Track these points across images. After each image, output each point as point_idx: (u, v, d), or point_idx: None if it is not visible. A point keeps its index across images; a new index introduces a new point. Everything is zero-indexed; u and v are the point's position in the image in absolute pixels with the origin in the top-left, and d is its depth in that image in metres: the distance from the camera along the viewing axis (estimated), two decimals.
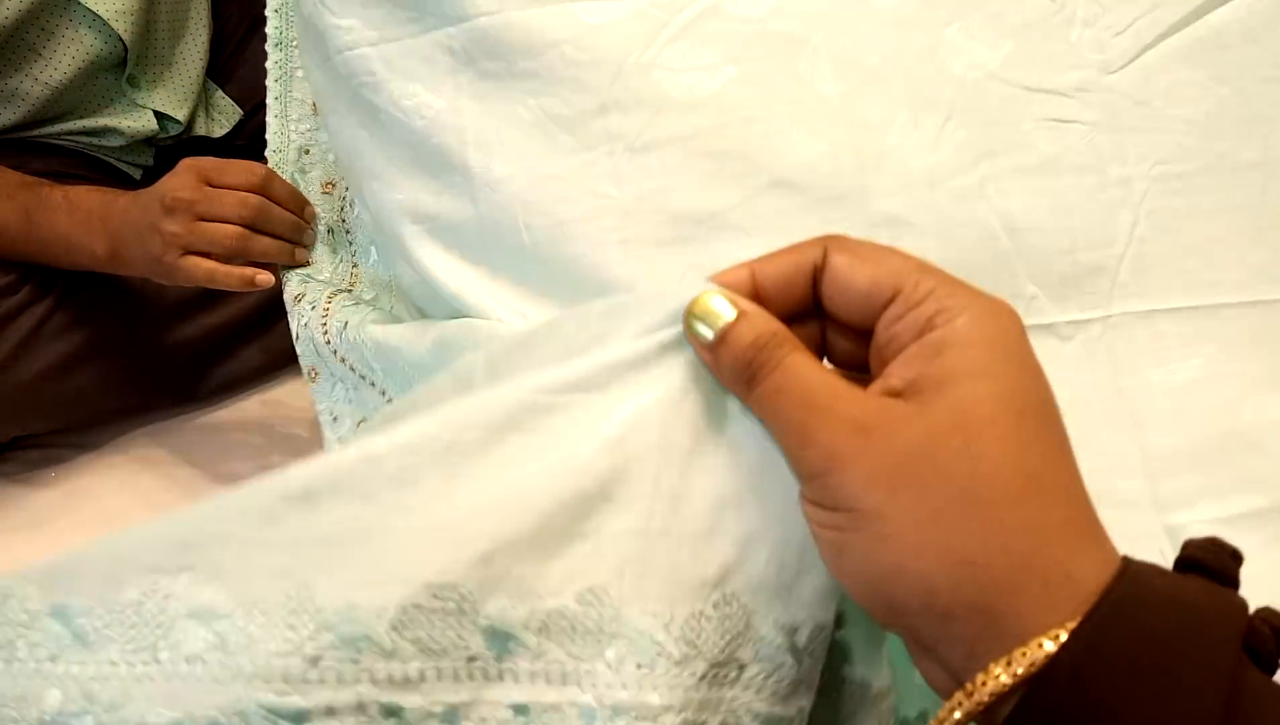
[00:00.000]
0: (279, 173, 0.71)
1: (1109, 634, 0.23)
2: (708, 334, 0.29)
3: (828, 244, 0.29)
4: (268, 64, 0.72)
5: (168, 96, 0.83)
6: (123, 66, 0.80)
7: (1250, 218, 0.56)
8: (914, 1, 0.56)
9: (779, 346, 0.28)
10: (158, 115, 0.83)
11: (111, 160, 0.86)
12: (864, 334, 0.29)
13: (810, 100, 0.55)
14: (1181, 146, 0.56)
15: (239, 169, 0.67)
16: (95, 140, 0.83)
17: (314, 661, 0.26)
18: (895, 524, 0.25)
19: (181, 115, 0.85)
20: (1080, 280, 0.56)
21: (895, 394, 0.26)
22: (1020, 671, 0.23)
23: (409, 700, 0.27)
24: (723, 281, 0.30)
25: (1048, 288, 0.56)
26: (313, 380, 0.70)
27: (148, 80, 0.83)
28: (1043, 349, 0.45)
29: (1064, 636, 0.23)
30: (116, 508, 0.82)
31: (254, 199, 0.67)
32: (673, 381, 0.30)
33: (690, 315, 0.29)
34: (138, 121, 0.83)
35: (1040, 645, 0.23)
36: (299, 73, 0.72)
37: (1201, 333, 0.56)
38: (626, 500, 0.29)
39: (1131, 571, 0.24)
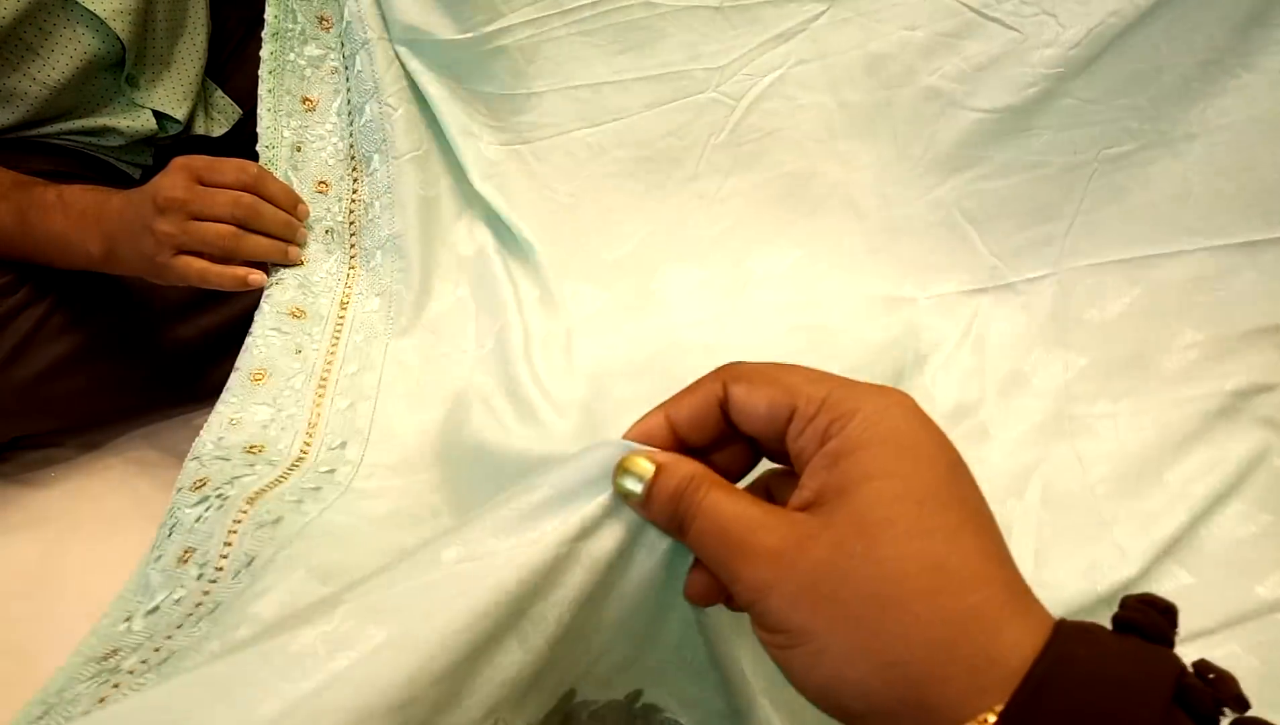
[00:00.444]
0: (272, 169, 0.71)
1: (1035, 713, 0.23)
2: (637, 491, 0.31)
3: (725, 376, 0.31)
4: (262, 54, 0.71)
5: (167, 96, 0.83)
6: (121, 66, 0.79)
7: (1182, 182, 0.67)
8: (908, 57, 0.71)
9: (696, 490, 0.30)
10: (157, 115, 0.83)
11: (111, 160, 0.86)
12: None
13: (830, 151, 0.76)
14: (1127, 130, 0.68)
15: (231, 167, 0.67)
16: (94, 140, 0.83)
17: None
18: (824, 639, 0.26)
19: (181, 115, 0.84)
20: (1035, 248, 0.71)
21: (806, 506, 0.28)
22: None
23: None
24: (640, 430, 0.32)
25: (1004, 258, 0.72)
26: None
27: (146, 80, 0.82)
28: (1003, 304, 0.68)
29: (991, 720, 0.23)
30: (116, 508, 0.81)
31: (246, 198, 0.66)
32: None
33: (618, 478, 0.31)
34: (137, 121, 0.83)
35: None
36: (290, 68, 0.72)
37: (1131, 278, 0.69)
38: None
39: (1058, 644, 0.24)
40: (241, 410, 0.66)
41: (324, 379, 0.69)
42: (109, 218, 0.69)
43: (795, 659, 0.27)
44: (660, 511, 0.30)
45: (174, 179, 0.66)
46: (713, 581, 0.31)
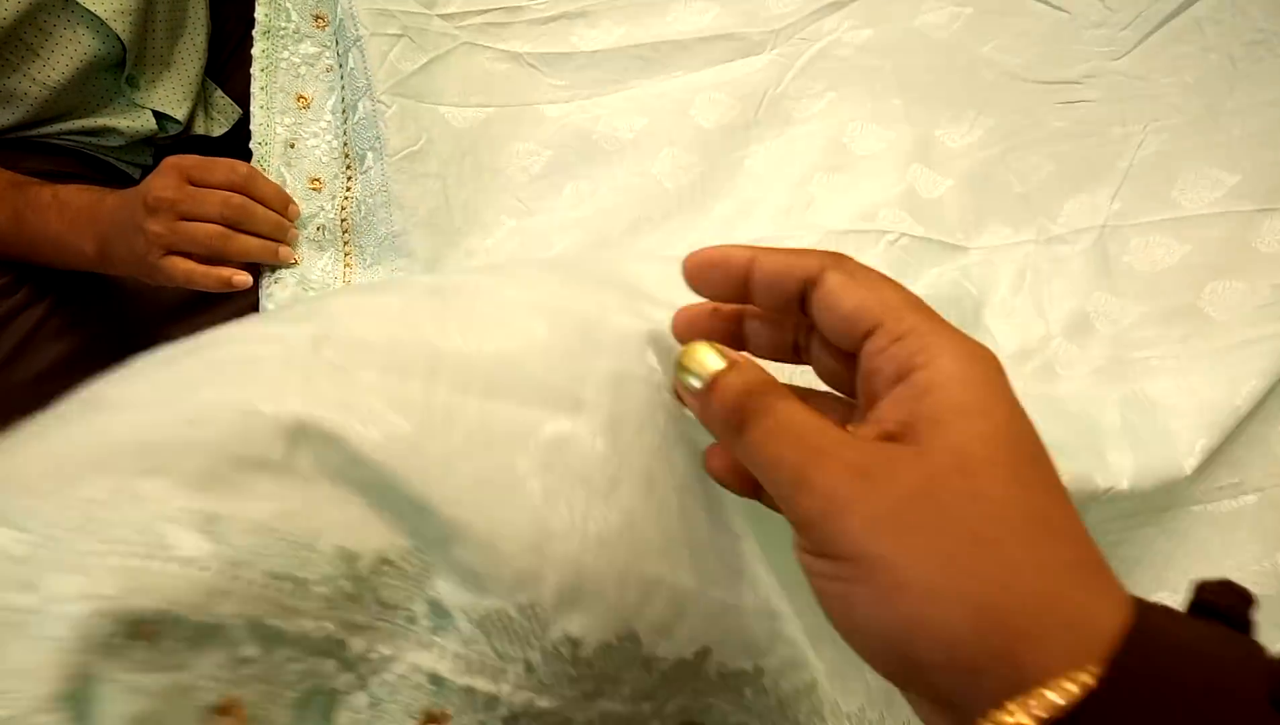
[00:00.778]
0: (264, 166, 0.71)
1: (1135, 679, 0.22)
2: (695, 383, 0.29)
3: (828, 261, 0.29)
4: (254, 51, 0.71)
5: (166, 96, 0.83)
6: (121, 67, 0.79)
7: (1226, 152, 0.71)
8: (960, 30, 0.76)
9: (769, 392, 0.28)
10: (157, 115, 0.83)
11: (111, 160, 0.86)
12: (849, 357, 0.29)
13: (882, 109, 0.78)
14: (1172, 105, 0.72)
15: (222, 167, 0.66)
16: (94, 140, 0.83)
17: (304, 593, 0.28)
18: (905, 571, 0.23)
19: (180, 115, 0.85)
20: (1082, 209, 0.74)
21: (890, 437, 0.26)
22: (1042, 714, 0.22)
23: (355, 643, 0.29)
24: (722, 253, 0.31)
25: (1053, 215, 0.74)
26: None
27: (146, 80, 0.83)
28: (1051, 255, 0.74)
29: (1088, 680, 0.21)
30: None
31: (236, 198, 0.66)
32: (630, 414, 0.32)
33: (680, 366, 0.30)
34: (137, 121, 0.83)
35: (1062, 687, 0.22)
36: (282, 65, 0.72)
37: (1179, 236, 0.72)
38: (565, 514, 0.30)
39: (1148, 615, 0.23)
40: None
41: None
42: (103, 218, 0.69)
43: (860, 595, 0.24)
44: (723, 404, 0.28)
45: (164, 179, 0.65)
46: (733, 463, 0.29)
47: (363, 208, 0.74)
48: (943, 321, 0.28)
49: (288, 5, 0.73)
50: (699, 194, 0.82)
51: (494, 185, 0.80)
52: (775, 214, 0.80)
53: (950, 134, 0.77)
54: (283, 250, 0.69)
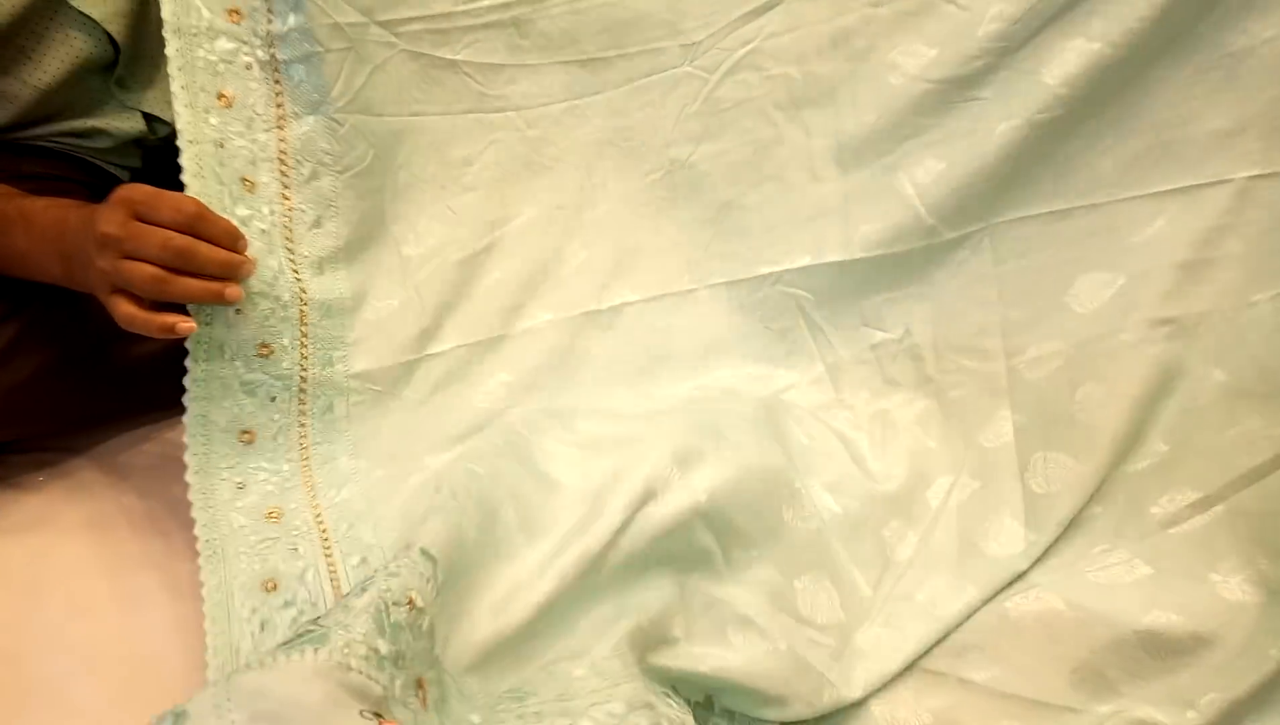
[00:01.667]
0: (201, 165, 0.69)
1: None
2: None
3: None
4: (168, 52, 0.69)
5: (156, 99, 0.83)
6: (111, 69, 0.79)
7: (1116, 137, 0.76)
8: (871, 32, 0.79)
9: None
10: (146, 117, 0.83)
11: (100, 162, 0.85)
12: None
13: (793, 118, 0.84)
14: (1057, 96, 0.74)
15: (167, 206, 0.63)
16: (83, 142, 0.82)
17: None
18: None
19: (169, 117, 0.84)
20: (968, 207, 0.80)
21: None
22: None
23: None
24: None
25: (943, 218, 0.80)
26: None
27: (137, 82, 0.82)
28: (944, 258, 0.83)
29: None
30: (101, 512, 0.81)
31: (178, 241, 0.63)
32: None
33: None
34: (126, 123, 0.82)
35: None
36: (199, 64, 0.70)
37: (1047, 233, 0.79)
38: None
39: None
40: None
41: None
42: (66, 238, 0.67)
43: None
44: None
45: (111, 213, 0.63)
46: None
47: (305, 218, 0.74)
48: None
49: (197, 1, 0.70)
50: (619, 223, 0.85)
51: (429, 192, 0.82)
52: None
53: (852, 137, 0.82)
54: (229, 290, 0.66)
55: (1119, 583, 0.70)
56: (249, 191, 0.72)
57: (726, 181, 0.85)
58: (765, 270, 0.85)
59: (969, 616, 0.72)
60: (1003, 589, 0.73)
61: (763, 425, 0.79)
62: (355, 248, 0.78)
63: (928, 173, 0.80)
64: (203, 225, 0.64)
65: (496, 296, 0.83)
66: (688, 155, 0.84)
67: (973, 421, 0.81)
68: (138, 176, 0.86)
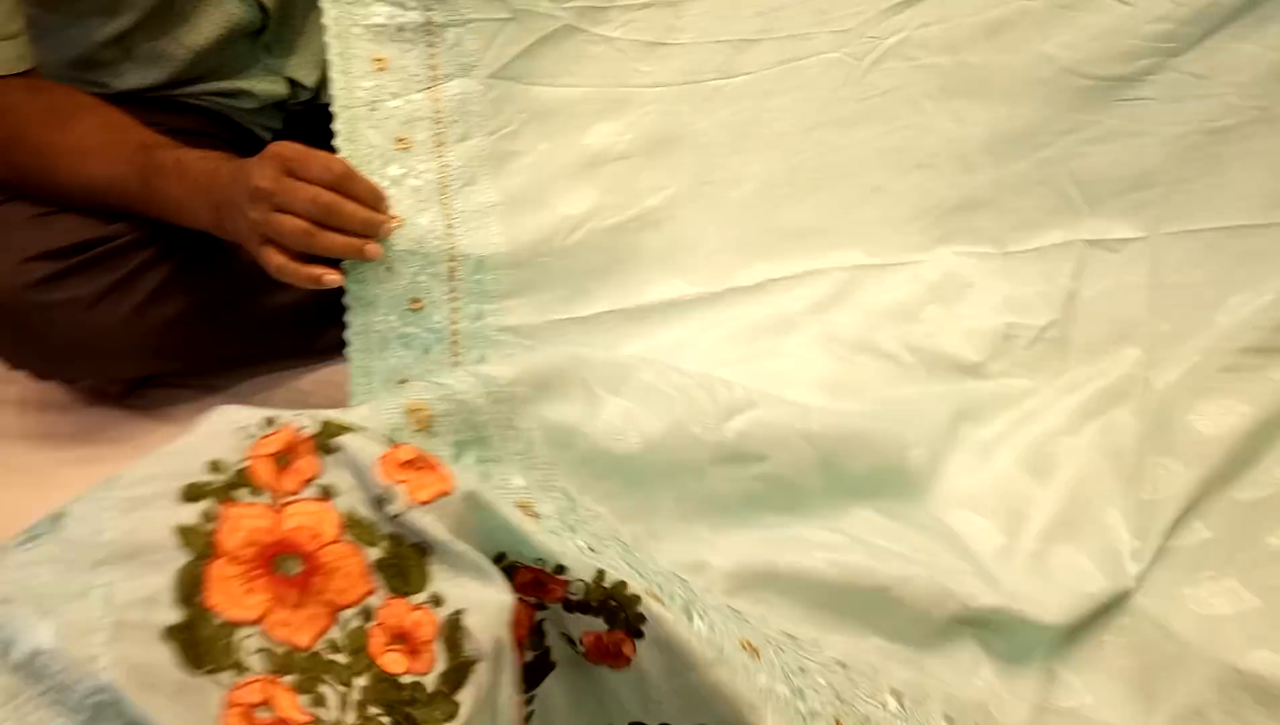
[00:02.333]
0: (353, 128, 0.72)
1: None
2: None
3: None
4: (325, 20, 0.72)
5: (300, 64, 0.87)
6: (259, 34, 0.84)
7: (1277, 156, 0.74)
8: (1026, 25, 0.78)
9: None
10: (290, 82, 0.87)
11: (244, 122, 0.91)
12: None
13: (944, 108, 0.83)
14: (1228, 105, 0.74)
15: (318, 164, 0.67)
16: (230, 102, 0.88)
17: None
18: None
19: (310, 82, 0.89)
20: (1130, 212, 0.79)
21: None
22: None
23: None
24: None
25: (1105, 217, 0.80)
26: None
27: (282, 47, 0.87)
28: (1100, 258, 0.81)
29: None
30: None
31: (325, 196, 0.66)
32: None
33: None
34: (271, 86, 0.87)
35: None
36: (355, 30, 0.73)
37: (1213, 247, 0.78)
38: None
39: None
40: None
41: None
42: (217, 189, 0.71)
43: None
44: None
45: (264, 168, 0.67)
46: None
47: (460, 177, 0.77)
48: None
49: None
50: (765, 201, 0.84)
51: (580, 160, 0.82)
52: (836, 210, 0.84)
53: (1007, 130, 0.81)
54: (370, 247, 0.69)
55: (1221, 614, 0.67)
56: (403, 150, 0.75)
57: (876, 166, 0.84)
58: (909, 257, 0.84)
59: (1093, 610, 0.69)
60: (1103, 608, 0.70)
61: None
62: (507, 207, 0.79)
63: (1090, 170, 0.79)
64: (349, 184, 0.68)
65: (643, 267, 0.84)
66: (836, 138, 0.84)
67: (1099, 421, 0.79)
68: (278, 137, 0.90)
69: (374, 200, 0.70)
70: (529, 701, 0.50)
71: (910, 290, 0.85)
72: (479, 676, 0.43)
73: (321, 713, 0.40)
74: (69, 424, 0.91)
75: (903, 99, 0.82)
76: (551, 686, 0.51)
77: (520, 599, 0.47)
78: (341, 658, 0.42)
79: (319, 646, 0.42)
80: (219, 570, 0.41)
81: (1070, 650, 0.68)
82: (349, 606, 0.43)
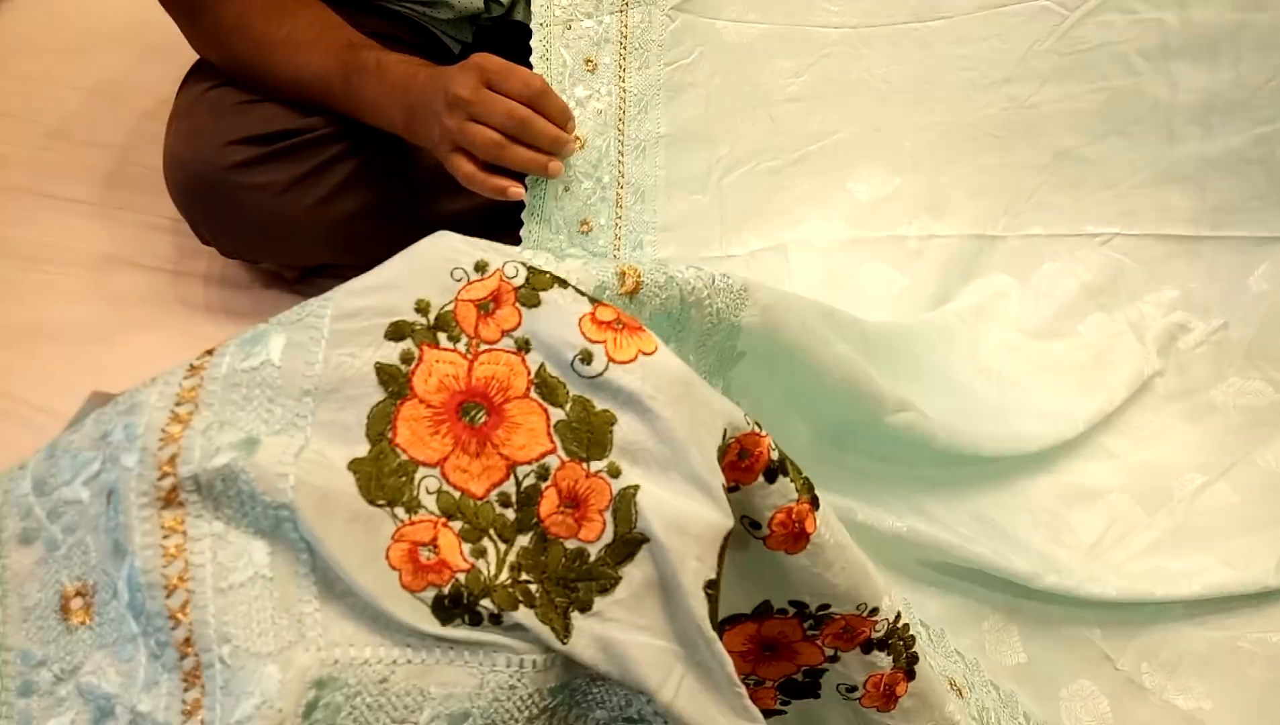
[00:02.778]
0: (548, 46, 0.74)
1: None
2: None
3: None
4: None
5: None
6: None
7: None
8: None
9: None
10: None
11: (437, 31, 0.93)
12: None
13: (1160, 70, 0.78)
14: None
15: (518, 79, 0.69)
16: (427, 10, 0.90)
17: None
18: None
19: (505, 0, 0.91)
20: None
21: None
22: None
23: None
24: None
25: None
26: None
27: None
28: None
29: None
30: None
31: (521, 111, 0.69)
32: None
33: None
34: None
35: None
36: None
37: None
38: None
39: None
40: None
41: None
42: (413, 92, 0.74)
43: None
44: None
45: (465, 78, 0.69)
46: None
47: (636, 104, 0.78)
48: None
49: None
50: (938, 155, 0.82)
51: (751, 99, 0.82)
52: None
53: (1225, 106, 0.76)
54: (553, 165, 0.72)
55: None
56: (590, 72, 0.76)
57: (1068, 128, 0.80)
58: (1093, 230, 0.81)
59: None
60: (1242, 608, 0.68)
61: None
62: (674, 139, 0.80)
63: None
64: (544, 101, 0.70)
65: (801, 209, 0.84)
66: (1029, 95, 0.80)
67: (1256, 436, 0.74)
68: (467, 50, 0.93)
69: (564, 119, 0.72)
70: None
71: (1092, 266, 0.81)
72: (648, 557, 0.42)
73: (481, 564, 0.42)
74: (246, 302, 0.97)
75: (1112, 55, 0.77)
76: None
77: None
78: (510, 513, 0.43)
79: (491, 497, 0.43)
80: (409, 411, 0.43)
81: (1203, 647, 0.67)
82: (526, 463, 0.43)
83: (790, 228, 0.83)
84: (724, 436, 0.45)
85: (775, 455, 0.46)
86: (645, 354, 0.45)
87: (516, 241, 0.76)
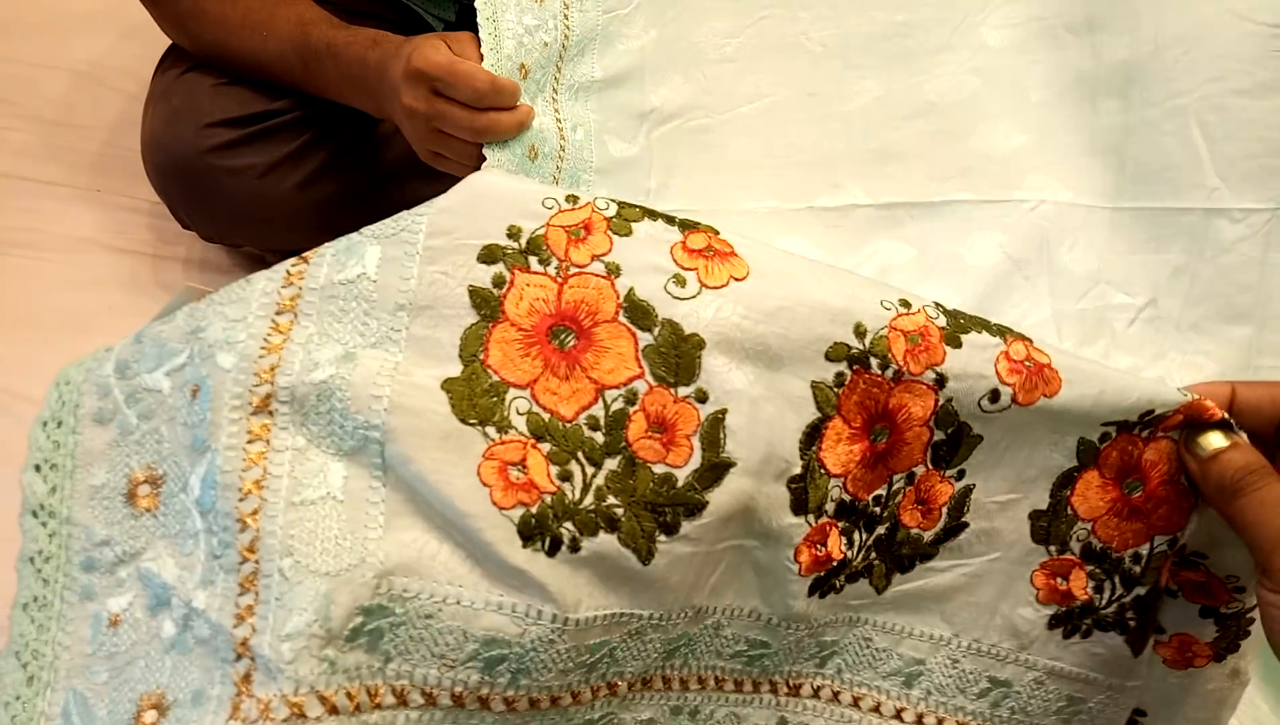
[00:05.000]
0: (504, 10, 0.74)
1: None
2: (1201, 453, 0.42)
3: (1234, 385, 0.41)
4: None
5: None
6: None
7: None
8: None
9: (1266, 473, 0.39)
10: None
11: (418, 9, 0.92)
12: None
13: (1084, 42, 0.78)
14: None
15: (465, 88, 0.68)
16: None
17: None
18: None
19: None
20: (1262, 180, 0.72)
21: None
22: None
23: None
24: (1208, 392, 0.43)
25: (1229, 182, 0.73)
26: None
27: None
28: (1216, 229, 0.76)
29: None
30: None
31: (481, 121, 0.69)
32: None
33: (1191, 437, 0.43)
34: None
35: None
36: None
37: None
38: None
39: None
40: None
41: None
42: (368, 78, 0.73)
43: None
44: (1221, 474, 0.40)
45: (413, 89, 0.69)
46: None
47: (576, 46, 0.77)
48: None
49: None
50: (870, 120, 0.82)
51: (684, 57, 0.81)
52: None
53: (1143, 77, 0.76)
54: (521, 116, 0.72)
55: None
56: (538, 3, 0.75)
57: (1001, 99, 0.80)
58: (1020, 196, 0.80)
59: None
60: None
61: None
62: (607, 85, 0.80)
63: (1223, 126, 0.72)
64: (496, 96, 0.70)
65: (727, 171, 0.83)
66: (966, 62, 0.80)
67: None
68: (449, 30, 0.92)
69: (515, 98, 0.71)
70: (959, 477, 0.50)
71: (1020, 234, 0.81)
72: (736, 481, 0.43)
73: (566, 487, 0.42)
74: (227, 285, 0.96)
75: (1042, 30, 0.78)
76: None
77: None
78: (599, 436, 0.43)
79: (580, 420, 0.43)
80: (501, 333, 0.43)
81: None
82: (614, 387, 0.44)
83: (715, 192, 0.83)
84: (845, 347, 0.45)
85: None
86: (737, 280, 0.45)
87: None
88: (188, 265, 0.98)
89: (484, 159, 0.71)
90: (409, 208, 0.93)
